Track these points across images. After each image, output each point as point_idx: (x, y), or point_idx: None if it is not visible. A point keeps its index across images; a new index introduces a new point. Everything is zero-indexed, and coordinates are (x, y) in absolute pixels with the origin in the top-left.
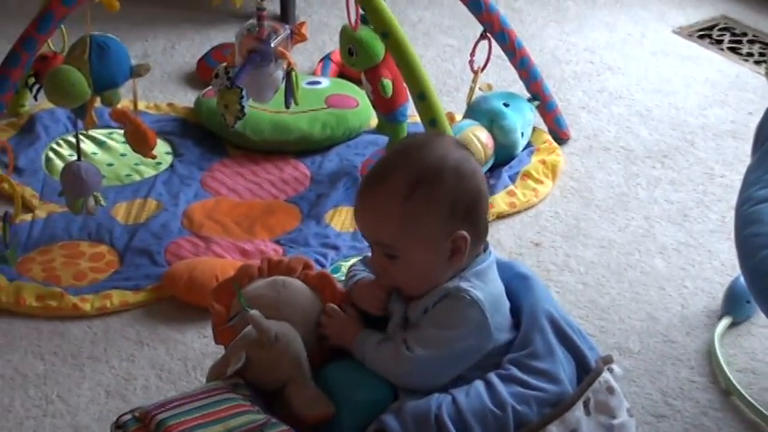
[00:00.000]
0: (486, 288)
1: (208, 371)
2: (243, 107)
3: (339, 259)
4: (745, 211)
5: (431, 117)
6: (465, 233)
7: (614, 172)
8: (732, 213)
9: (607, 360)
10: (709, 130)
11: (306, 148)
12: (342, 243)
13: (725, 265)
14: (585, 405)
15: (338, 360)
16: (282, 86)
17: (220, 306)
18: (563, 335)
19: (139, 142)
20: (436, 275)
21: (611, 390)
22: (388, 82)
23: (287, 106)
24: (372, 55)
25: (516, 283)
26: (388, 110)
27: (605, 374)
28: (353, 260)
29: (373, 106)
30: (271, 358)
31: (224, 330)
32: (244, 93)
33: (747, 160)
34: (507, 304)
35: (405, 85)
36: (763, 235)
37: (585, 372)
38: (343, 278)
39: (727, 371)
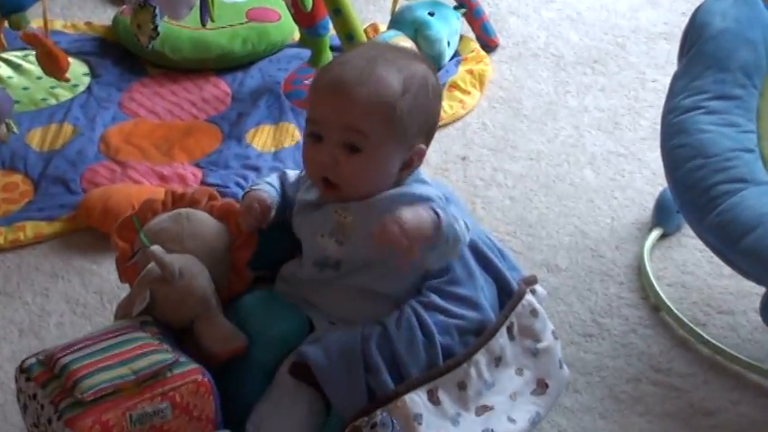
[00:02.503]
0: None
1: (115, 309)
2: (156, 26)
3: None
4: (671, 121)
5: (347, 32)
6: (423, 148)
7: (543, 80)
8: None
9: (530, 281)
10: (641, 33)
11: (227, 65)
12: (263, 164)
13: (656, 175)
14: (509, 330)
15: (253, 291)
16: (197, 2)
17: (123, 242)
18: (483, 258)
19: (51, 65)
20: (384, 181)
21: (534, 312)
22: None
23: (203, 24)
24: None
25: None
26: (308, 23)
27: (528, 297)
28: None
29: (294, 20)
30: (176, 294)
31: (127, 268)
32: (157, 11)
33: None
34: None
35: None
36: (689, 146)
37: (508, 295)
38: None
39: (656, 286)
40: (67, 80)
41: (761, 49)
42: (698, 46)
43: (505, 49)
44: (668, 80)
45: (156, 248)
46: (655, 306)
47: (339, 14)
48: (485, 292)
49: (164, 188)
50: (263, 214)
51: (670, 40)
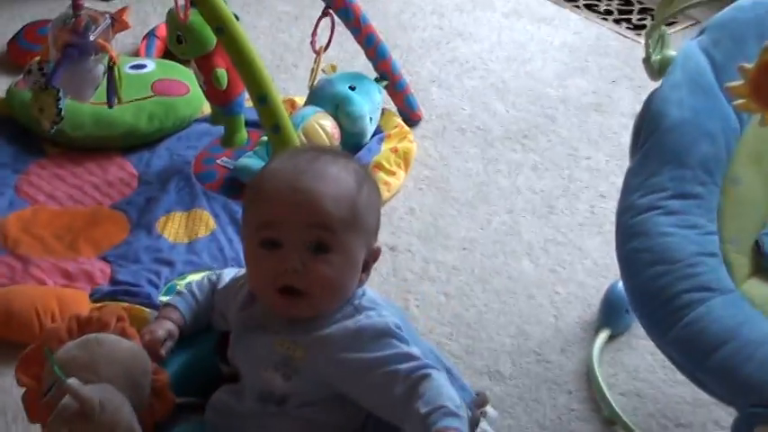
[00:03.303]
0: (390, 316)
1: None
2: (60, 110)
3: (174, 277)
4: (627, 222)
5: (273, 123)
6: (380, 248)
7: (471, 157)
8: (601, 202)
9: (481, 403)
10: (570, 103)
11: (132, 143)
12: (176, 257)
13: (598, 265)
14: None
15: (181, 420)
16: (104, 82)
17: (29, 378)
18: None
19: None
20: (351, 286)
21: None
22: (222, 72)
23: (109, 106)
24: (204, 42)
25: None
26: (223, 102)
27: (482, 425)
28: (191, 277)
29: (206, 97)
30: (99, 431)
31: (38, 406)
32: (60, 94)
33: (613, 137)
34: None
35: None
36: (649, 250)
37: None
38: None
39: (608, 396)
40: None
41: (720, 142)
42: (654, 138)
43: (429, 123)
44: (602, 156)
45: (73, 381)
46: (608, 419)
47: (265, 103)
48: None
49: (70, 289)
50: (154, 353)
51: (601, 112)
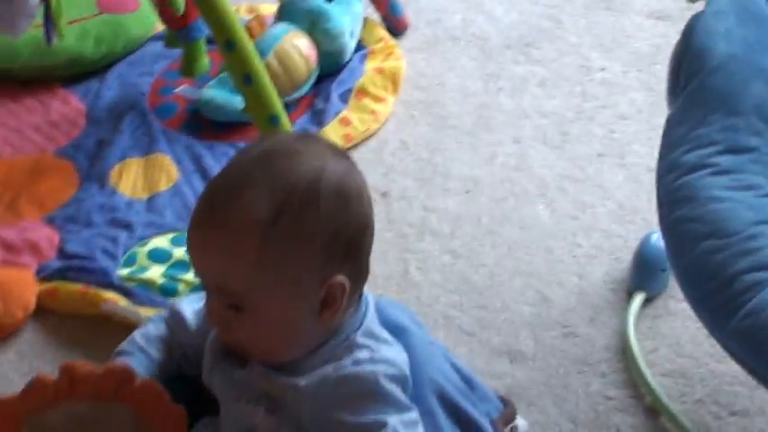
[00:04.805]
0: (390, 354)
1: None
2: None
3: (134, 244)
4: (671, 185)
5: (244, 71)
6: (343, 279)
7: (469, 73)
8: (621, 125)
9: (508, 417)
10: (576, 1)
11: (77, 71)
12: (135, 217)
13: (623, 208)
14: None
15: None
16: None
17: None
18: (456, 411)
19: None
20: (300, 337)
21: None
22: None
23: (48, 42)
24: None
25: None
26: (180, 25)
27: None
28: (154, 242)
29: (161, 20)
30: None
31: None
32: None
33: (627, 42)
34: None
35: None
36: (699, 220)
37: None
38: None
39: (650, 380)
40: None
41: None
42: (698, 80)
43: (417, 32)
44: (618, 67)
45: None
46: (651, 408)
47: (232, 49)
48: None
49: (12, 269)
50: None
51: (612, 11)
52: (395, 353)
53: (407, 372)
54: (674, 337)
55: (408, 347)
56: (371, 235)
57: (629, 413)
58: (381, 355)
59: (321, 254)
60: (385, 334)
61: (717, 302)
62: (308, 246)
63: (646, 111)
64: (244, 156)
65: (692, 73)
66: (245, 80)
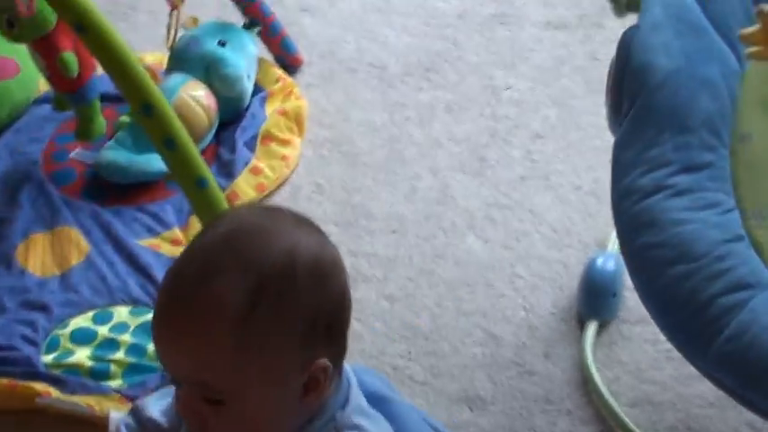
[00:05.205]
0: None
1: None
2: None
3: (54, 326)
4: (631, 210)
5: (166, 136)
6: (326, 362)
7: (372, 105)
8: (538, 144)
9: None
10: (469, 18)
11: None
12: (49, 297)
13: (556, 232)
14: None
15: None
16: None
17: None
18: None
19: None
20: (283, 423)
21: None
22: (70, 56)
23: None
24: (41, 22)
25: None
26: (73, 88)
27: None
28: (75, 322)
29: (51, 85)
30: None
31: None
32: None
33: (530, 56)
34: None
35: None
36: (665, 246)
37: None
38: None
39: (619, 413)
40: None
41: (722, 91)
42: (642, 99)
43: (312, 66)
44: (524, 83)
45: None
46: None
47: (149, 114)
48: None
49: None
50: None
51: (508, 25)
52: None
53: None
54: (634, 363)
55: (393, 417)
56: (350, 308)
57: None
58: None
59: (302, 339)
60: (372, 411)
61: (694, 329)
62: (288, 332)
63: (560, 127)
64: (204, 240)
65: (635, 91)
66: (167, 145)
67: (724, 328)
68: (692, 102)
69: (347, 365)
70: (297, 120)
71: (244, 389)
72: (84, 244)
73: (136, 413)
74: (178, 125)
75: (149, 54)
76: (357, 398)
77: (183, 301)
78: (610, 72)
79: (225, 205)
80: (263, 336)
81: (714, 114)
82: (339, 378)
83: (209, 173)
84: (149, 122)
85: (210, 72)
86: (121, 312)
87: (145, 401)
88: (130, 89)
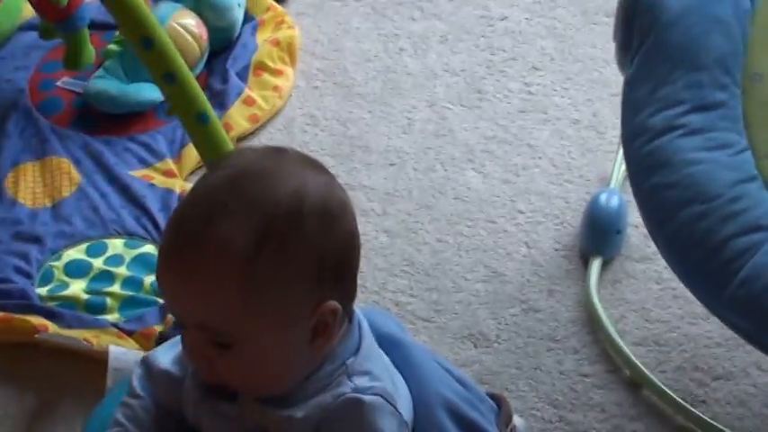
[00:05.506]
0: (387, 376)
1: None
2: None
3: (47, 258)
4: (642, 150)
5: (166, 70)
6: (335, 304)
7: (365, 35)
8: (535, 77)
9: (506, 419)
10: None
11: None
12: (42, 228)
13: (556, 166)
14: None
15: None
16: None
17: None
18: (466, 424)
19: None
20: (293, 368)
21: None
22: None
23: None
24: None
25: (389, 356)
26: (61, 17)
27: None
28: (69, 254)
29: (37, 13)
30: None
31: None
32: None
33: None
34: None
35: None
36: (678, 186)
37: None
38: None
39: (627, 352)
40: None
41: (734, 30)
42: (653, 36)
43: None
44: (520, 14)
45: None
46: (631, 381)
47: (151, 47)
48: None
49: None
50: None
51: None
52: (393, 387)
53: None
54: (640, 302)
55: (408, 360)
56: (359, 250)
57: (609, 389)
58: (380, 383)
59: (310, 281)
60: (382, 358)
61: (708, 272)
62: (295, 274)
63: (557, 59)
64: (209, 182)
65: (646, 29)
66: (168, 79)
67: (739, 270)
68: (705, 40)
69: (358, 310)
70: (289, 50)
71: (251, 331)
72: (75, 174)
73: (146, 365)
74: (179, 59)
75: None
76: (369, 345)
77: (189, 244)
78: (620, 6)
79: (226, 140)
80: (270, 277)
81: (726, 53)
82: (350, 324)
83: (210, 108)
84: (149, 56)
85: (201, 1)
86: (116, 244)
87: (155, 352)
88: (129, 21)
